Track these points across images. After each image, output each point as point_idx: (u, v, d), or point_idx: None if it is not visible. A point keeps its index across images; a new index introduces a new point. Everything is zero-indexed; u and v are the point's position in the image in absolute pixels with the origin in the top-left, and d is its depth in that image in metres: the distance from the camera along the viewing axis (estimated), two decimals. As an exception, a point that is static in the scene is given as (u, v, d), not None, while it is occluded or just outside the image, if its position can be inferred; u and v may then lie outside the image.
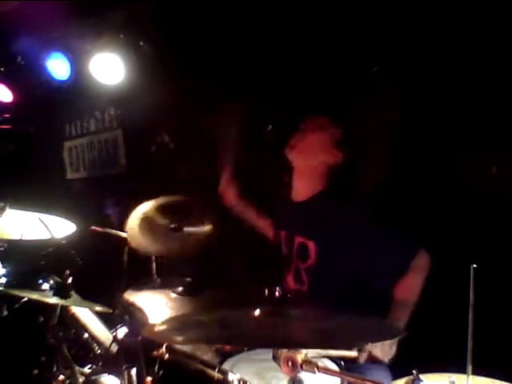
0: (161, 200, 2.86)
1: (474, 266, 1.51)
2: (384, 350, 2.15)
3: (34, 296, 2.09)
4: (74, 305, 2.17)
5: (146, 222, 2.81)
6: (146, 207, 2.83)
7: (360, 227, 2.36)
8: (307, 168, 2.55)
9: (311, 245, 2.45)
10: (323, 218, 2.43)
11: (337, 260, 2.35)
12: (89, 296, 2.25)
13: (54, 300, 2.04)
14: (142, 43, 3.79)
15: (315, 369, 1.51)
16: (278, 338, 1.51)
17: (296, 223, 2.55)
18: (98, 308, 2.10)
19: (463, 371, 1.63)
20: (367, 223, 2.39)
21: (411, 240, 2.37)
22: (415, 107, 2.93)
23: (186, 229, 2.85)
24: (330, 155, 2.52)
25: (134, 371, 1.65)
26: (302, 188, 2.59)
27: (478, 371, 1.65)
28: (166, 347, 1.81)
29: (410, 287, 2.32)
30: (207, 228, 2.86)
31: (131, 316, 1.79)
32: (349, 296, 2.28)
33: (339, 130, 2.55)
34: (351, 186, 2.60)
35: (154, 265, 2.94)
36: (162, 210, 2.85)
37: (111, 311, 2.04)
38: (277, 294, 1.59)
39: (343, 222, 2.36)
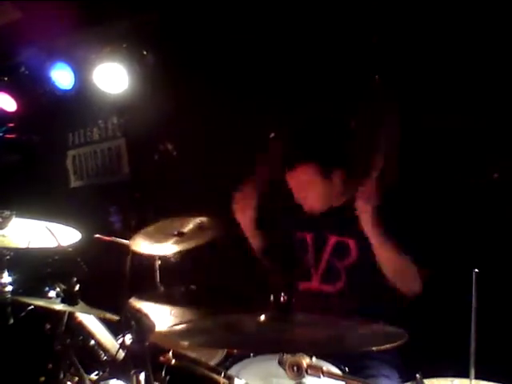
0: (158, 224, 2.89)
1: (476, 270, 1.53)
2: None
3: (42, 303, 2.11)
4: (82, 312, 2.18)
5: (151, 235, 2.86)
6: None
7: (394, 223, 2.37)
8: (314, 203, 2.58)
9: (352, 243, 2.47)
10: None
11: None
12: (93, 303, 2.28)
13: (61, 307, 2.06)
14: (145, 53, 3.83)
15: (320, 373, 1.53)
16: (283, 343, 1.53)
17: (328, 223, 2.55)
18: (106, 315, 2.11)
19: (466, 375, 1.65)
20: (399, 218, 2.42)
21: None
22: (417, 116, 2.96)
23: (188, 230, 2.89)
24: (326, 188, 2.53)
25: (142, 376, 1.67)
26: (314, 207, 2.59)
27: (481, 375, 1.67)
28: (173, 353, 1.83)
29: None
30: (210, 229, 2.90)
31: (138, 322, 1.81)
32: (381, 292, 2.35)
33: (315, 163, 2.51)
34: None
35: (158, 272, 2.97)
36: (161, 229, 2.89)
37: (118, 318, 2.05)
38: (282, 299, 1.61)
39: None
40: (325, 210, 2.57)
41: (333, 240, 2.53)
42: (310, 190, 2.53)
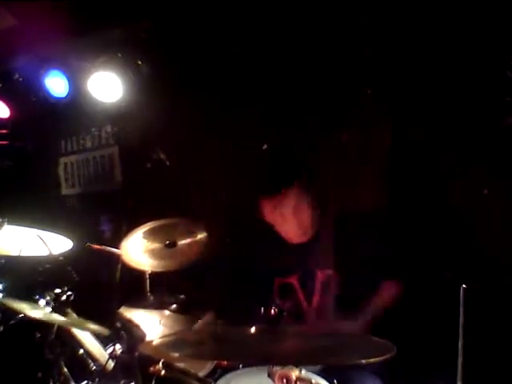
0: (152, 224, 2.90)
1: (464, 286, 1.55)
2: None
3: (32, 313, 2.10)
4: (71, 325, 2.17)
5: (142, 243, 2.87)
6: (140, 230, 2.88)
7: (371, 250, 2.42)
8: (294, 225, 2.52)
9: (334, 274, 2.46)
10: (338, 249, 2.45)
11: (354, 283, 2.41)
12: (83, 312, 2.27)
13: (50, 319, 2.05)
14: (139, 62, 3.84)
15: (309, 386, 1.54)
16: (272, 355, 1.54)
17: (312, 260, 2.50)
18: (94, 328, 2.11)
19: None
20: (375, 244, 2.45)
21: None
22: (408, 129, 2.99)
23: (180, 242, 2.90)
24: (310, 214, 2.50)
25: (132, 387, 1.67)
26: (297, 236, 2.54)
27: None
28: (163, 363, 1.83)
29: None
30: (200, 237, 2.91)
31: (128, 332, 1.81)
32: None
33: (308, 191, 2.50)
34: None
35: (148, 282, 2.97)
36: (155, 231, 2.90)
37: (107, 331, 2.05)
38: (272, 312, 1.62)
39: (358, 249, 2.40)
40: (309, 236, 2.53)
41: (321, 275, 2.49)
42: (297, 214, 2.47)
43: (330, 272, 2.47)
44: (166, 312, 2.73)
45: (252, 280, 2.64)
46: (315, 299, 2.50)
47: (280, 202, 2.47)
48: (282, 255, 2.59)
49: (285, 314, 1.62)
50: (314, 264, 2.50)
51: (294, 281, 2.55)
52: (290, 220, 2.48)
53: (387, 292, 2.47)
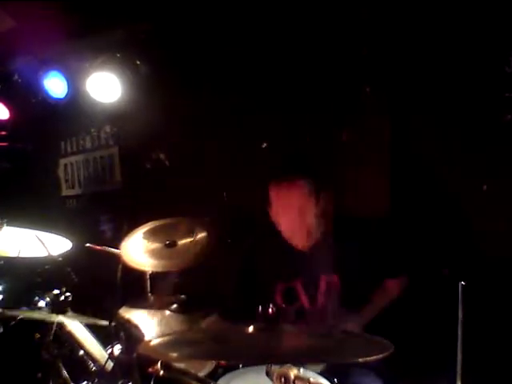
0: (152, 224, 2.90)
1: (463, 283, 1.55)
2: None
3: (31, 314, 2.10)
4: (71, 319, 2.17)
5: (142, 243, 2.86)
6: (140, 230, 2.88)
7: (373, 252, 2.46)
8: (298, 226, 2.50)
9: (336, 278, 2.48)
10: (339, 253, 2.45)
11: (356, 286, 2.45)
12: (83, 312, 2.27)
13: (51, 317, 2.05)
14: (138, 62, 3.84)
15: (308, 384, 1.54)
16: (271, 355, 1.53)
17: (316, 265, 2.48)
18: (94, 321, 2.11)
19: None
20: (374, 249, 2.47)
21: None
22: (407, 128, 2.98)
23: (180, 242, 2.89)
24: (315, 209, 2.47)
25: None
26: (301, 240, 2.53)
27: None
28: (161, 364, 1.83)
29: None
30: (201, 236, 2.90)
31: (127, 333, 1.81)
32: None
33: (311, 180, 2.48)
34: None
35: (149, 282, 2.97)
36: (155, 231, 2.90)
37: (107, 324, 2.05)
38: (270, 310, 1.62)
39: (359, 251, 2.43)
40: (313, 242, 2.52)
41: (324, 281, 2.50)
42: (303, 217, 2.46)
43: (332, 277, 2.47)
44: (167, 312, 2.73)
45: (255, 283, 2.63)
46: (319, 303, 2.51)
47: (287, 192, 2.46)
48: (286, 260, 2.58)
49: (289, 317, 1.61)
50: (318, 269, 2.48)
51: (297, 285, 2.55)
52: (295, 219, 2.46)
53: (390, 290, 2.51)
